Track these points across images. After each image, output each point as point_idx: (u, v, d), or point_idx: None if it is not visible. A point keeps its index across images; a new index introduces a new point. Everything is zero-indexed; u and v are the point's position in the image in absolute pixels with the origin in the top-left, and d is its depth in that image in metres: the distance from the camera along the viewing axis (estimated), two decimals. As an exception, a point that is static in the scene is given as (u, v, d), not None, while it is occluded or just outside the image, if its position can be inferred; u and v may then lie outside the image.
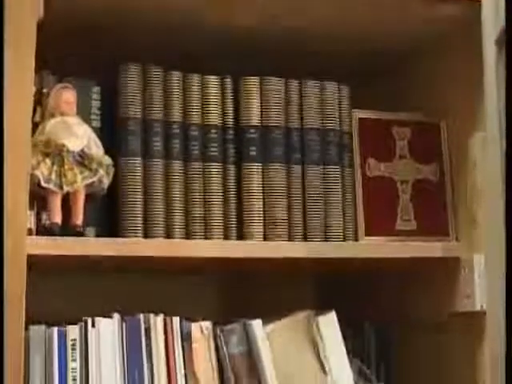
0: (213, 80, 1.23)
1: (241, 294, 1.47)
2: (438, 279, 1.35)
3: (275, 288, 1.48)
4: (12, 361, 1.00)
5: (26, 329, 1.07)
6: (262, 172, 1.23)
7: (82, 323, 1.12)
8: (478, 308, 1.30)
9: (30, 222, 1.11)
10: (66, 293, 1.37)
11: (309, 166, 1.26)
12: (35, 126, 1.11)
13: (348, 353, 1.25)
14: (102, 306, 1.16)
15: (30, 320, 1.08)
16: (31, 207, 1.10)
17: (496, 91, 1.28)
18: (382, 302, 1.44)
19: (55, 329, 1.11)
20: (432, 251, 1.30)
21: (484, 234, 1.33)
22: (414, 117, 1.37)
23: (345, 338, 1.26)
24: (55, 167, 1.11)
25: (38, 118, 1.14)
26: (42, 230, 1.12)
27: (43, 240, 1.08)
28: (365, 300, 1.46)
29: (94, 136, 1.15)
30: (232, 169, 1.22)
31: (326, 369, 1.22)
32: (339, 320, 1.26)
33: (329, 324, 1.24)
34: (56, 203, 1.12)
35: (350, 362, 1.25)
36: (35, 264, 1.04)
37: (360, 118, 1.32)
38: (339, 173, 1.28)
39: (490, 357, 1.32)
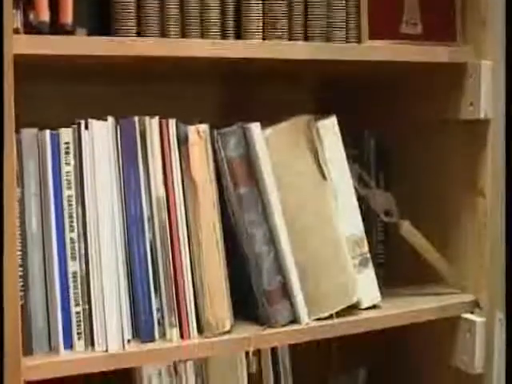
0: None
1: (239, 97, 1.43)
2: (443, 86, 1.32)
3: (274, 91, 1.44)
4: (8, 165, 0.98)
5: (18, 132, 1.05)
6: (262, -34, 1.16)
7: (76, 126, 1.10)
8: (482, 116, 1.28)
9: (16, 21, 1.05)
10: (59, 99, 1.33)
11: (311, -39, 1.18)
12: None
13: (348, 159, 1.23)
14: (96, 112, 1.12)
15: (23, 125, 1.05)
16: (16, 5, 1.04)
17: None
18: (383, 109, 1.41)
19: (47, 132, 1.08)
20: (438, 56, 1.25)
21: (492, 39, 1.29)
22: None
23: (345, 146, 1.24)
24: (40, -39, 1.05)
25: None
26: (30, 29, 1.05)
27: (31, 38, 1.02)
28: (365, 107, 1.43)
29: None
30: (230, -38, 1.15)
31: (326, 174, 1.20)
32: (339, 127, 1.24)
33: (329, 129, 1.22)
34: None
35: (350, 167, 1.24)
36: (26, 67, 1.00)
37: None
38: (343, -30, 1.21)
39: (492, 165, 1.31)
